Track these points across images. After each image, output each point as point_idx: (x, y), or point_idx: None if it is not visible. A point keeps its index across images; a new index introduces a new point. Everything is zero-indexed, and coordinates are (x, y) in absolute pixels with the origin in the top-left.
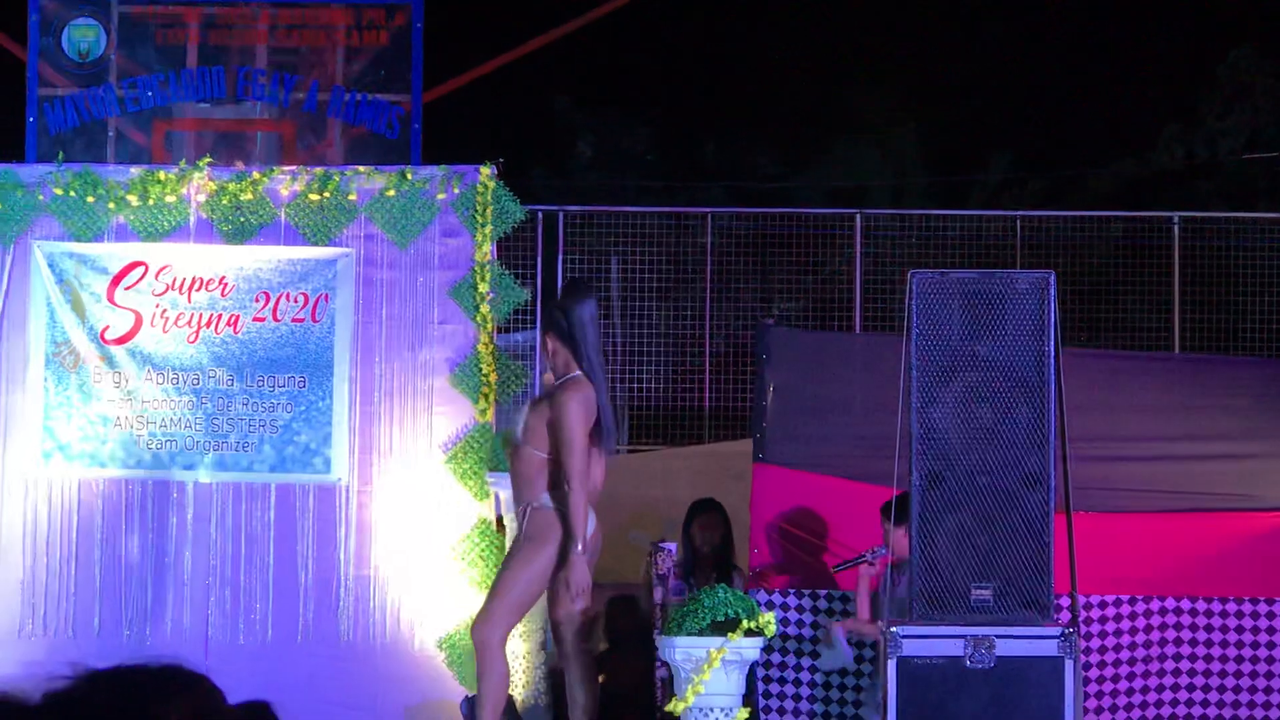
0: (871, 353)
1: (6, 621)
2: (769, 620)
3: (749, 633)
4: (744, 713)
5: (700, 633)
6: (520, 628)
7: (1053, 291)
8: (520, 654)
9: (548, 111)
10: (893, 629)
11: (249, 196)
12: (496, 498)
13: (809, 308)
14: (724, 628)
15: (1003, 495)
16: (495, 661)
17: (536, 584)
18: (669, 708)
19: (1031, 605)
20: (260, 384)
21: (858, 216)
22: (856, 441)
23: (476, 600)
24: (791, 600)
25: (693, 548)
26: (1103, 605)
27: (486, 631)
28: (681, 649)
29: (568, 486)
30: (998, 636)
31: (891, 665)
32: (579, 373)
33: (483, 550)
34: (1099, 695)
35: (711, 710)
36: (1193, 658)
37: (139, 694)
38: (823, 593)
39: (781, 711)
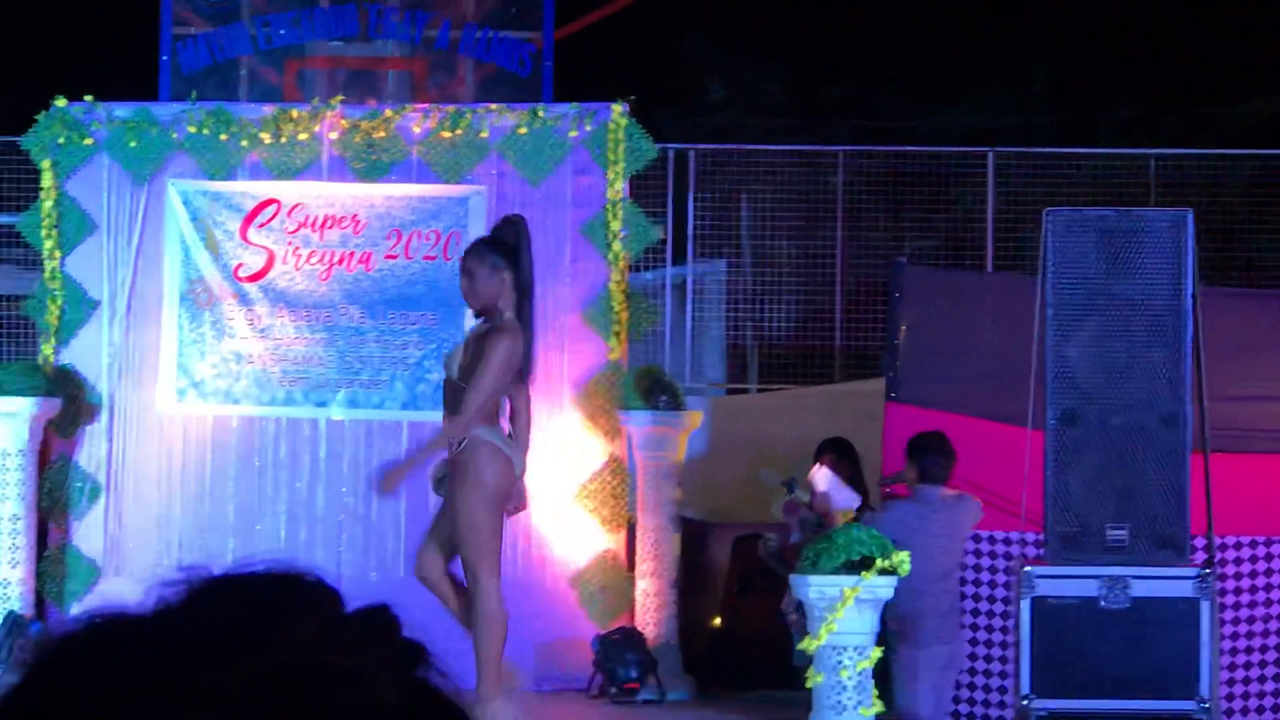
0: (1005, 291)
1: (142, 557)
2: (903, 559)
3: (883, 571)
4: (877, 652)
5: (834, 571)
6: (650, 566)
7: (1190, 230)
8: (651, 592)
9: (677, 50)
10: (1026, 568)
11: (381, 134)
12: (630, 437)
13: (940, 246)
14: (858, 566)
15: (1138, 434)
16: (495, 611)
17: (496, 515)
18: (801, 646)
19: (1167, 545)
20: (392, 321)
21: (990, 155)
22: (989, 380)
23: (607, 538)
24: None
25: None
26: (1238, 546)
27: (483, 580)
28: (815, 587)
29: (460, 414)
30: (1133, 577)
31: (1026, 605)
32: (511, 315)
33: (614, 488)
34: (1234, 637)
35: (845, 649)
36: None
37: (256, 599)
38: None
39: None
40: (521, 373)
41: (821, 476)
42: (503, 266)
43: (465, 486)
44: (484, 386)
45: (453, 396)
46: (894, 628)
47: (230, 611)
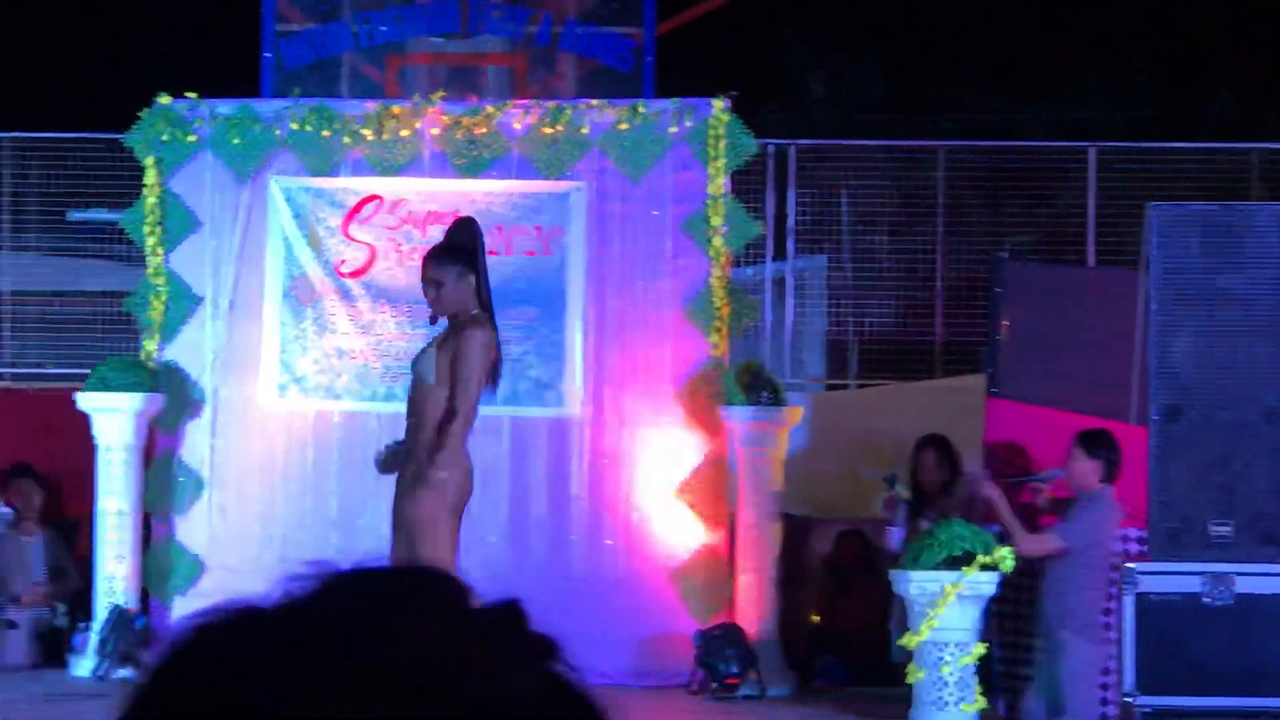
0: (1107, 286)
1: (244, 552)
2: (1005, 555)
3: (985, 567)
4: (980, 648)
5: (935, 567)
6: (750, 562)
7: None
8: (751, 587)
9: (777, 46)
10: (1129, 565)
11: (482, 130)
12: (731, 433)
13: (1040, 242)
14: (959, 562)
15: (1242, 430)
16: None
17: (456, 522)
18: (902, 642)
19: (1271, 542)
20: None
21: (1091, 150)
22: (1091, 376)
23: (708, 534)
24: None
25: (919, 483)
26: None
27: None
28: (916, 583)
29: (450, 419)
30: (1237, 574)
31: (1129, 601)
32: (479, 311)
33: (715, 484)
34: None
35: (946, 645)
36: None
37: (388, 593)
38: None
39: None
40: (494, 373)
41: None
42: (467, 272)
43: (426, 491)
44: (472, 384)
45: (423, 400)
46: (1073, 626)
47: (362, 605)
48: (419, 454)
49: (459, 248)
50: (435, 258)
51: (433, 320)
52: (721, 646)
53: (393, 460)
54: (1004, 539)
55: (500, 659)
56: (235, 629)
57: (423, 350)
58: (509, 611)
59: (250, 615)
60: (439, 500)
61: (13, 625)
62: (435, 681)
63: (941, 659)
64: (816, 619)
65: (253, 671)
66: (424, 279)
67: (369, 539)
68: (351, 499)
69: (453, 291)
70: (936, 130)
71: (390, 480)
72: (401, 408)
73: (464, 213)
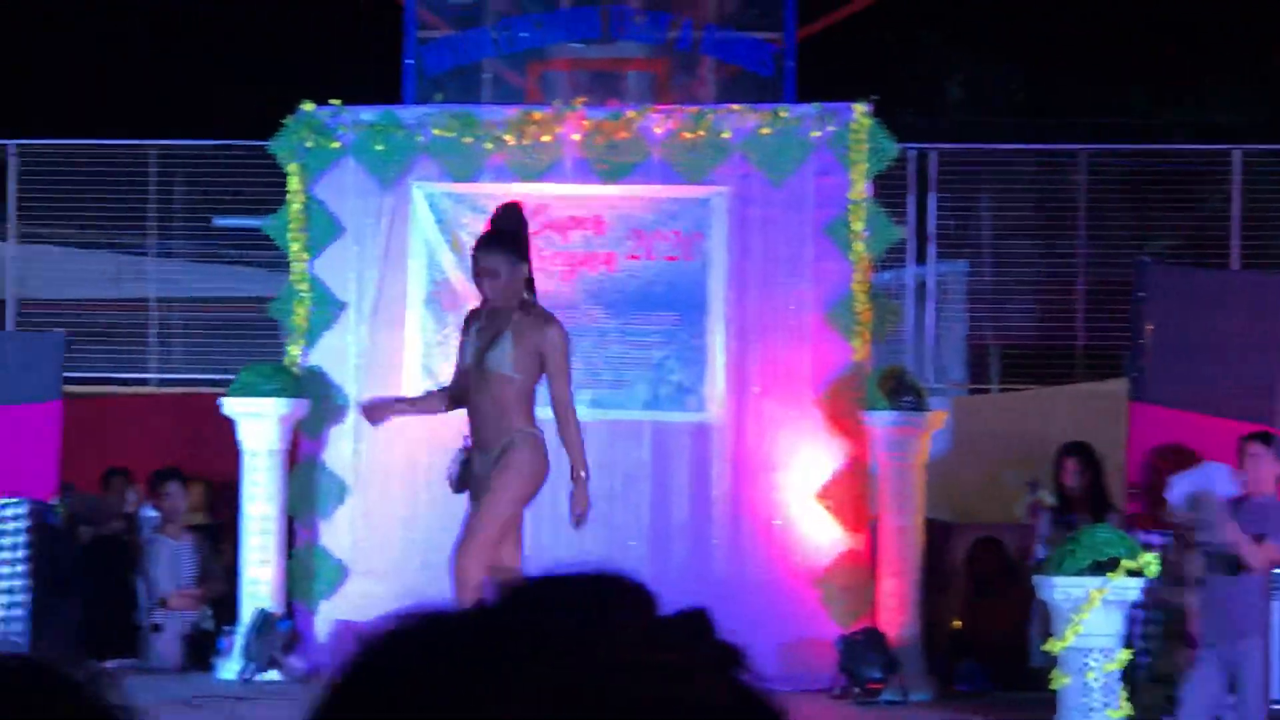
0: (1253, 290)
1: (387, 556)
2: (1150, 560)
3: (1130, 573)
4: (1125, 653)
5: (1079, 572)
6: (892, 566)
7: None
8: (893, 592)
9: (917, 50)
10: (1278, 570)
11: (623, 135)
12: (873, 437)
13: (1183, 245)
14: (1104, 568)
15: None
16: (466, 590)
17: (520, 510)
18: (1046, 647)
19: None
20: (634, 322)
21: (1235, 152)
22: (1237, 380)
23: (850, 539)
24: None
25: (1063, 489)
26: None
27: (469, 565)
28: (1060, 588)
29: (564, 414)
30: None
31: (1276, 607)
32: (531, 298)
33: (857, 489)
34: None
35: (1090, 651)
36: None
37: (578, 600)
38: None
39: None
40: None
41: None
42: (520, 260)
43: (509, 474)
44: (568, 376)
45: (500, 389)
46: (1263, 630)
47: (553, 611)
48: (502, 440)
49: (509, 234)
50: (488, 247)
51: (483, 306)
52: (864, 651)
53: (468, 476)
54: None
55: (688, 666)
56: (428, 633)
57: (490, 342)
58: (696, 620)
59: (442, 620)
60: (519, 485)
61: (159, 628)
62: (625, 687)
63: (1086, 665)
64: (958, 624)
65: (445, 674)
66: (479, 270)
67: None
68: None
69: (510, 280)
70: (1077, 133)
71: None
72: (542, 412)
73: (605, 218)
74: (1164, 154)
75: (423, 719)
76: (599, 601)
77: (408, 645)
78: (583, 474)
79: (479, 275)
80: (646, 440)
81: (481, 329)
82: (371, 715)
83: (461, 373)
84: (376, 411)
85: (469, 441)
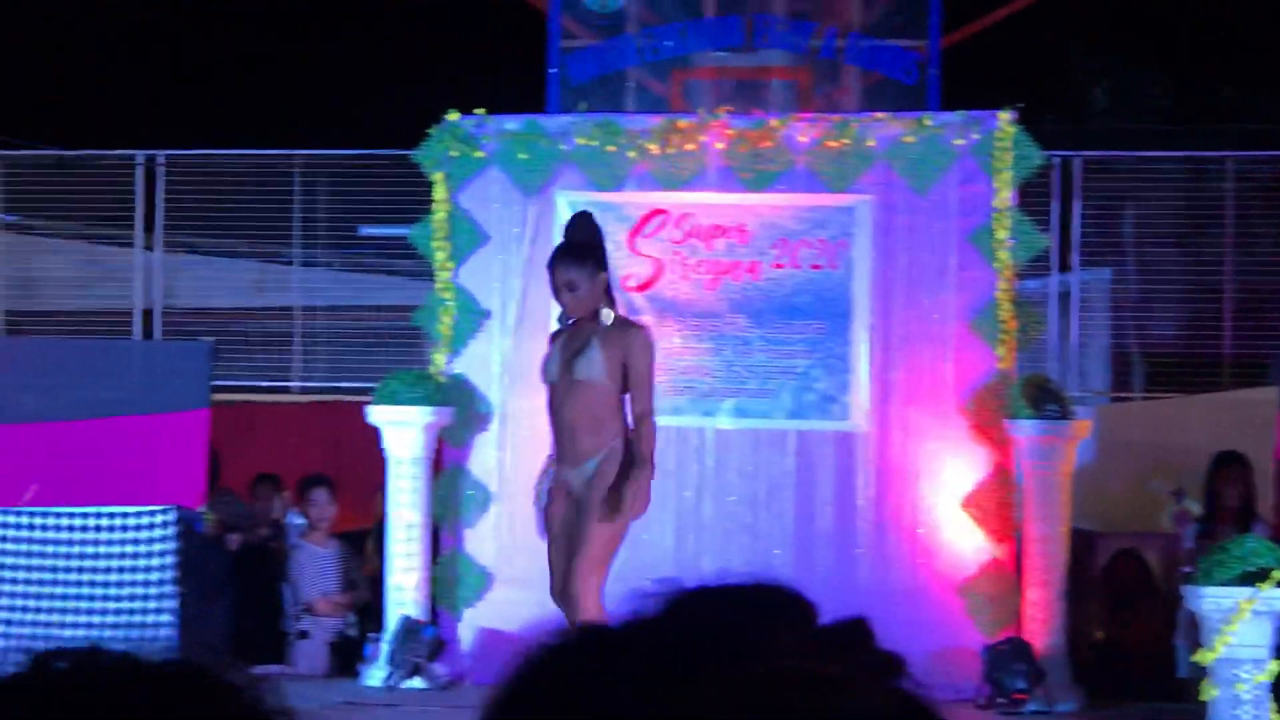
0: None
1: (532, 564)
2: None
3: None
4: (1275, 665)
5: (1228, 583)
6: (1038, 576)
7: None
8: (1038, 602)
9: (1061, 56)
10: None
11: (768, 144)
12: (1017, 446)
13: None
14: (1254, 578)
15: None
16: (594, 612)
17: (625, 525)
18: (1195, 658)
19: None
20: (779, 331)
21: None
22: None
23: (994, 549)
24: None
25: (1216, 500)
26: None
27: (586, 588)
28: (1209, 599)
29: (645, 421)
30: None
31: None
32: (612, 308)
33: (1001, 498)
34: None
35: (1240, 663)
36: None
37: (738, 610)
38: None
39: None
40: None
41: None
42: (598, 270)
43: (614, 490)
44: (651, 385)
45: (597, 400)
46: None
47: (715, 621)
48: (600, 452)
49: (585, 246)
50: (565, 260)
51: (564, 319)
52: (1009, 661)
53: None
54: None
55: (851, 675)
56: (594, 643)
57: (576, 353)
58: (855, 630)
59: (607, 631)
60: (632, 501)
61: (306, 635)
62: (787, 694)
63: (1236, 676)
64: (1101, 635)
65: (613, 683)
66: (558, 283)
67: (654, 553)
68: None
69: (589, 292)
70: (1224, 140)
71: (674, 493)
72: (686, 421)
73: (749, 226)
74: None
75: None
76: (760, 612)
77: (575, 654)
78: (647, 470)
79: (558, 289)
80: (791, 449)
81: (565, 344)
82: (551, 716)
83: (549, 389)
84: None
85: (554, 456)
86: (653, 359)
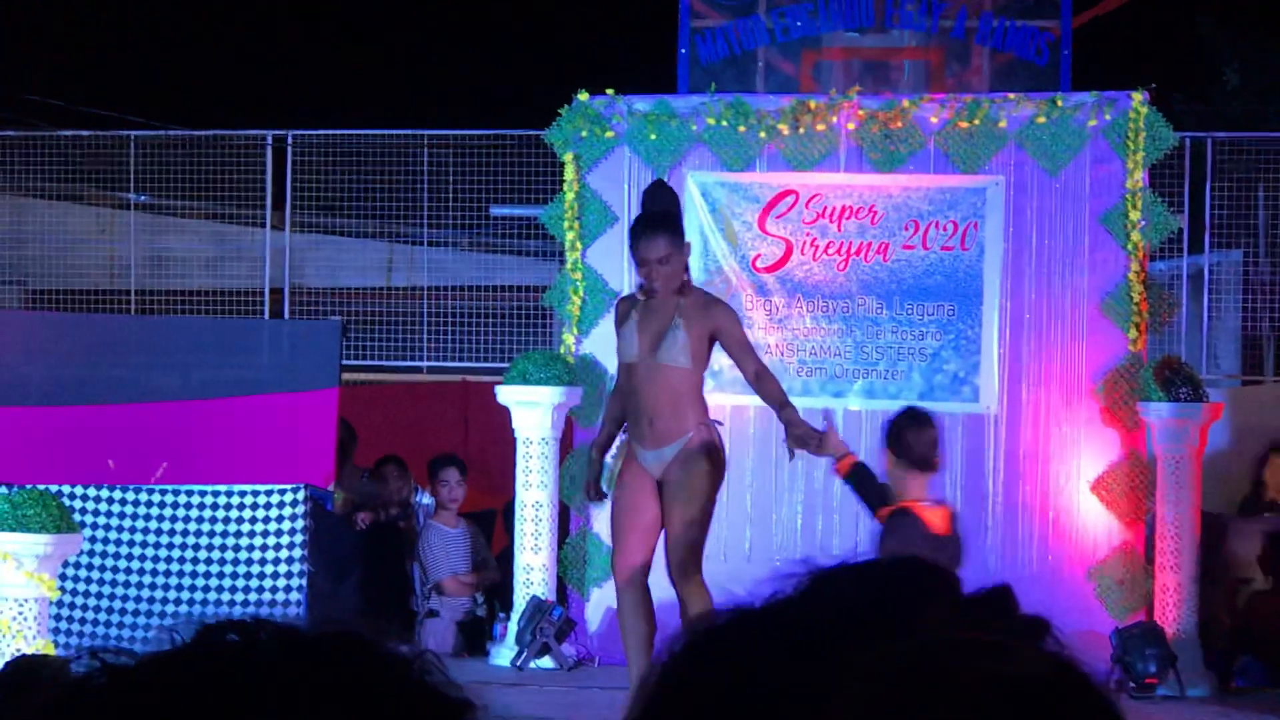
0: None
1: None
2: None
3: None
4: None
5: None
6: (1169, 560)
7: None
8: (1170, 586)
9: (1192, 36)
10: None
11: (898, 124)
12: (1149, 429)
13: None
14: None
15: None
16: (706, 601)
17: (711, 511)
18: None
19: None
20: (909, 312)
21: None
22: None
23: (1125, 532)
24: None
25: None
26: None
27: (693, 578)
28: None
29: (763, 380)
30: None
31: None
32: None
33: (1133, 480)
34: None
35: None
36: None
37: (884, 584)
38: None
39: None
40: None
41: None
42: (683, 239)
43: (699, 479)
44: (751, 348)
45: (677, 383)
46: None
47: (863, 595)
48: (682, 435)
49: (668, 215)
50: (654, 232)
51: (648, 294)
52: (1140, 645)
53: (597, 484)
54: None
55: (1005, 639)
56: (755, 618)
57: (660, 334)
58: (1000, 596)
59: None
60: (713, 484)
61: (435, 614)
62: (945, 659)
63: None
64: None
65: (778, 653)
66: (649, 257)
67: (783, 534)
68: (765, 493)
69: (678, 263)
70: None
71: (804, 473)
72: (816, 402)
73: (879, 207)
74: None
75: (758, 706)
76: (904, 584)
77: (739, 628)
78: (790, 412)
79: (646, 264)
80: None
81: (642, 320)
82: (711, 691)
83: (625, 367)
84: (595, 487)
85: (625, 436)
86: (742, 326)
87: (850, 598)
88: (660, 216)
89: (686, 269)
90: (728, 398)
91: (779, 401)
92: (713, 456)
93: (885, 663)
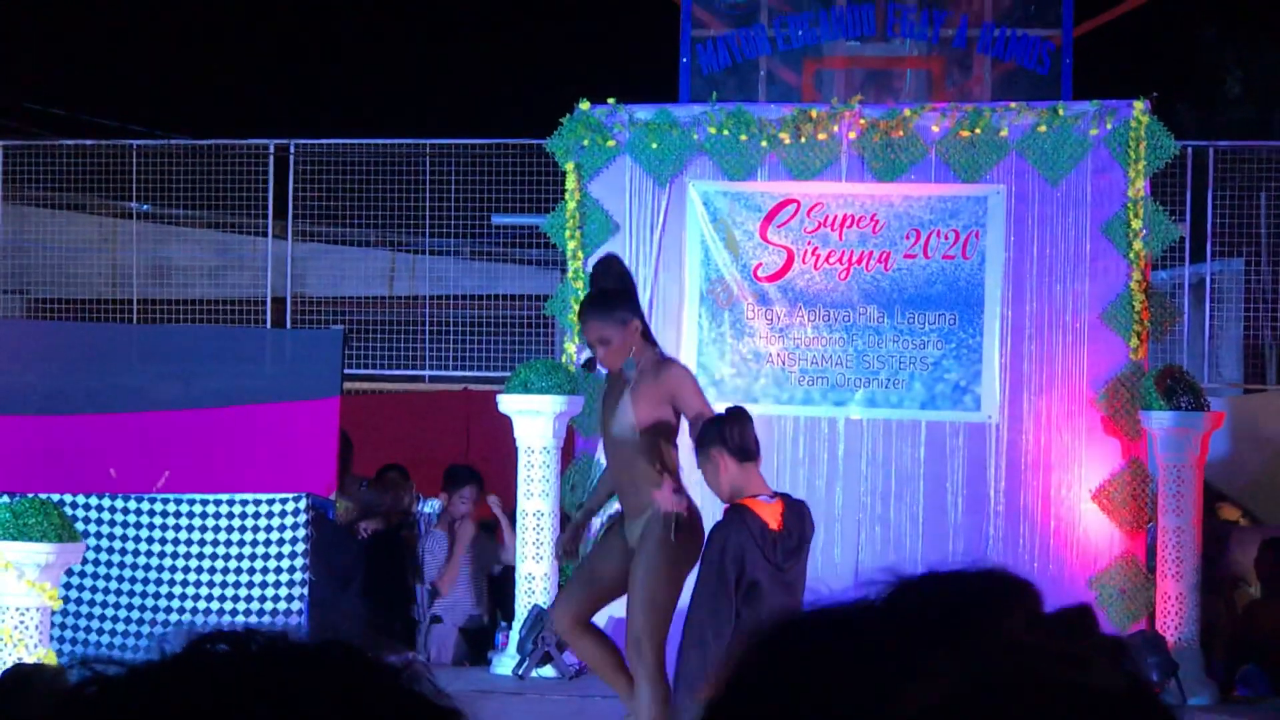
0: None
1: None
2: None
3: None
4: None
5: None
6: (1171, 568)
7: None
8: (1171, 594)
9: (1194, 44)
10: None
11: (899, 134)
12: (1151, 438)
13: None
14: None
15: None
16: (656, 684)
17: (680, 584)
18: None
19: None
20: (910, 321)
21: None
22: None
23: (1126, 541)
24: None
25: None
26: None
27: (647, 661)
28: None
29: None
30: None
31: None
32: (652, 349)
33: (1134, 489)
34: None
35: None
36: None
37: (966, 593)
38: None
39: None
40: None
41: None
42: (629, 317)
43: (655, 555)
44: (705, 402)
45: (628, 454)
46: None
47: (946, 603)
48: (644, 510)
49: (610, 294)
50: (591, 314)
51: (589, 367)
52: (1141, 654)
53: (574, 543)
54: None
55: (1085, 654)
56: (832, 622)
57: (613, 408)
58: (1081, 614)
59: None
60: (671, 554)
61: (438, 620)
62: (1029, 670)
63: None
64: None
65: (858, 657)
66: (589, 338)
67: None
68: None
69: (621, 343)
70: None
71: (805, 482)
72: (817, 411)
73: (881, 216)
74: None
75: (836, 704)
76: (985, 593)
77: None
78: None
79: (590, 344)
80: (922, 439)
81: (605, 394)
82: (791, 694)
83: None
84: (571, 545)
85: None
86: (695, 385)
87: (932, 604)
88: (592, 298)
89: (648, 340)
90: (729, 402)
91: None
92: (680, 529)
93: (966, 664)
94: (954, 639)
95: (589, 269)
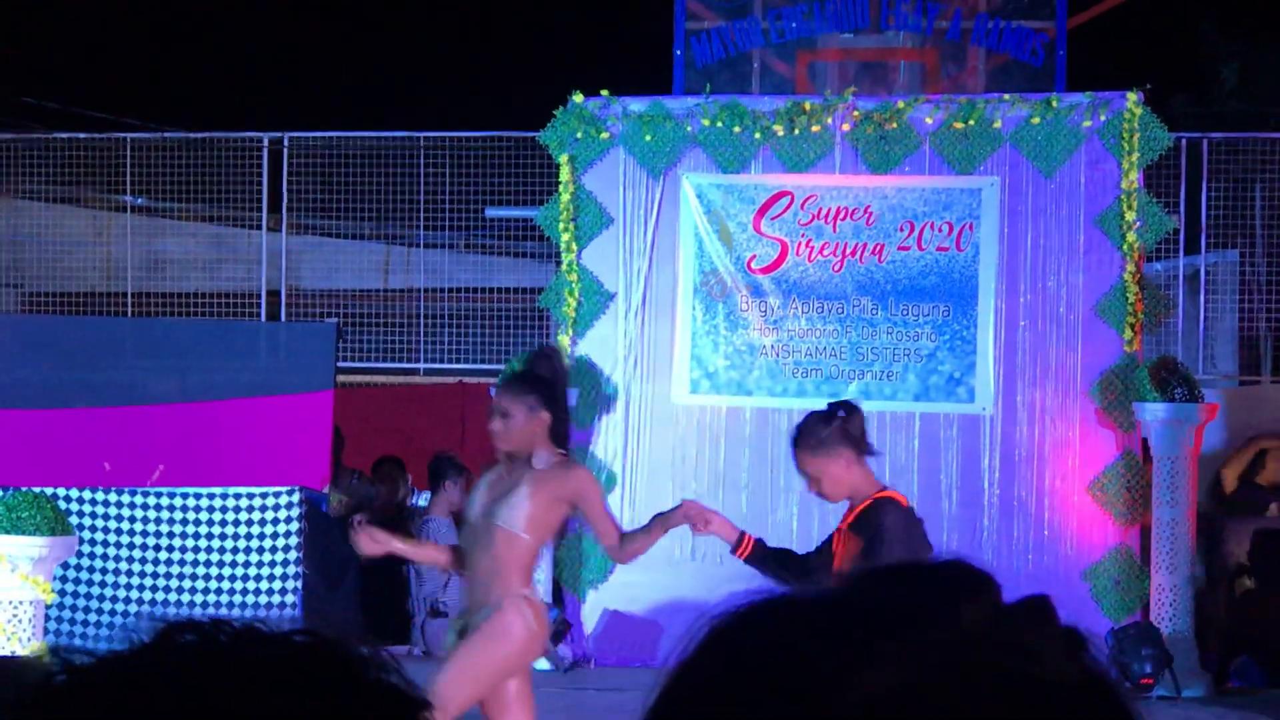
0: None
1: (656, 546)
2: None
3: None
4: None
5: None
6: (1165, 560)
7: None
8: (1166, 586)
9: (1190, 37)
10: None
11: (893, 126)
12: (1145, 429)
13: None
14: None
15: None
16: None
17: (500, 677)
18: None
19: None
20: (904, 313)
21: None
22: None
23: (1120, 533)
24: None
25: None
26: None
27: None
28: None
29: (627, 545)
30: None
31: None
32: (557, 451)
33: (1128, 481)
34: None
35: None
36: None
37: (926, 583)
38: None
39: None
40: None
41: None
42: (540, 408)
43: (487, 640)
44: (611, 515)
45: (504, 547)
46: None
47: (904, 592)
48: (494, 601)
49: (538, 379)
50: (509, 386)
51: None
52: (1136, 645)
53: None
54: None
55: (1038, 645)
56: (783, 609)
57: (504, 494)
58: (1039, 605)
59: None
60: (504, 649)
61: (440, 614)
62: (976, 655)
63: None
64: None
65: (808, 644)
66: (492, 407)
67: (780, 535)
68: (762, 494)
69: (522, 426)
70: None
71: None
72: (811, 403)
73: (874, 208)
74: None
75: (788, 687)
76: (943, 583)
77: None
78: (665, 518)
79: (491, 413)
80: (916, 431)
81: (494, 480)
82: (735, 684)
83: (468, 526)
84: (374, 545)
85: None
86: (602, 493)
87: (889, 591)
88: (516, 374)
89: (554, 444)
90: (724, 399)
91: (651, 531)
92: (512, 630)
93: (918, 653)
94: (907, 628)
95: (527, 360)
